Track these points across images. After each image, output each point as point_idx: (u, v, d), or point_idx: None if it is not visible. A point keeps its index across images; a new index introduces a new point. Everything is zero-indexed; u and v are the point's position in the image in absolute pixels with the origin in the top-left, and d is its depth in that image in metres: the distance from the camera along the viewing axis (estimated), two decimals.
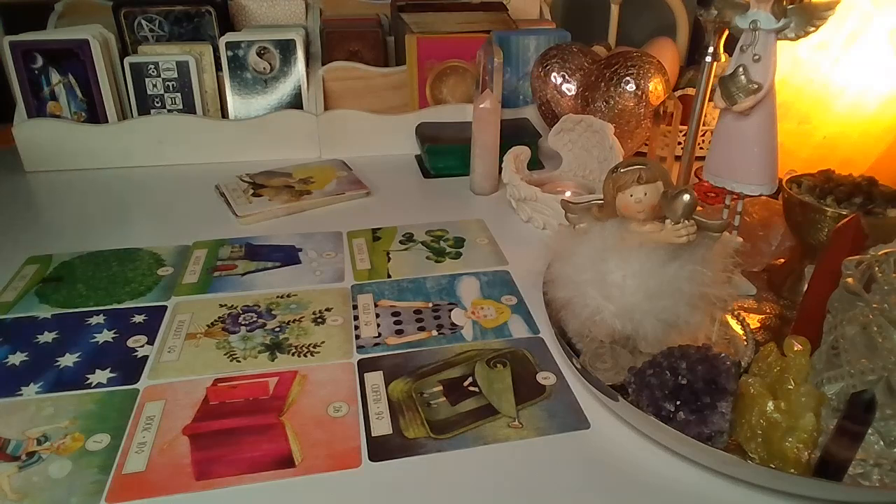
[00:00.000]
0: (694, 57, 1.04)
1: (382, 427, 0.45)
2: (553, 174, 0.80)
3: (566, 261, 0.49)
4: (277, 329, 0.55)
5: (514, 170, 0.73)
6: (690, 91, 0.86)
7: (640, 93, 0.77)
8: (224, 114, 0.91)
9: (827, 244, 0.52)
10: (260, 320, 0.56)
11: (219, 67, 0.89)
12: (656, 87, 0.77)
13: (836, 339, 0.43)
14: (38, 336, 0.54)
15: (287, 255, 0.66)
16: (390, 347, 0.53)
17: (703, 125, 0.79)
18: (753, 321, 0.56)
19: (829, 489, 0.38)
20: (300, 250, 0.67)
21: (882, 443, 0.41)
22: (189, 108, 0.88)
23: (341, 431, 0.44)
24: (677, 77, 0.92)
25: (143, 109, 0.87)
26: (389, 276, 0.62)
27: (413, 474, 0.41)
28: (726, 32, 0.62)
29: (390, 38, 1.00)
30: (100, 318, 0.56)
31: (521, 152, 0.76)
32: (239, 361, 0.51)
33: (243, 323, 0.55)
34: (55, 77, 0.84)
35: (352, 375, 0.50)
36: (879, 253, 0.44)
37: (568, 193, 0.77)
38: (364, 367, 0.50)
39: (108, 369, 0.50)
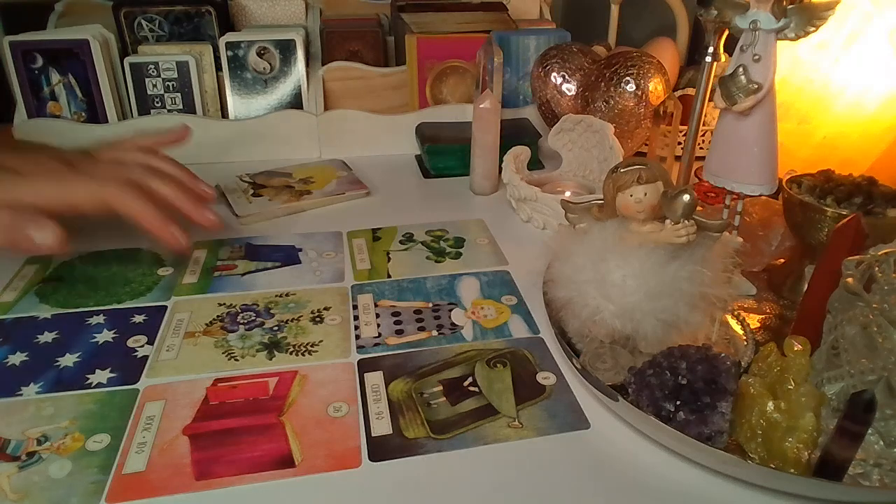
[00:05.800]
0: (694, 57, 1.04)
1: (382, 427, 0.45)
2: (553, 174, 0.80)
3: (566, 261, 0.49)
4: (275, 328, 0.55)
5: (514, 170, 0.73)
6: (690, 91, 0.86)
7: (640, 93, 0.77)
8: (224, 114, 0.90)
9: (827, 244, 0.52)
10: (258, 319, 0.56)
11: (219, 67, 0.89)
12: (656, 87, 0.77)
13: (836, 339, 0.43)
14: (38, 336, 0.54)
15: (287, 255, 0.66)
16: (390, 347, 0.53)
17: (703, 125, 0.79)
18: (753, 321, 0.56)
19: (829, 489, 0.38)
20: (300, 250, 0.67)
21: (882, 443, 0.41)
22: (189, 108, 0.88)
23: (341, 431, 0.44)
24: (677, 77, 0.92)
25: (144, 109, 0.87)
26: (389, 276, 0.62)
27: (413, 474, 0.41)
28: (726, 32, 0.62)
29: (390, 38, 1.00)
30: (100, 318, 0.56)
31: (521, 152, 0.76)
32: (237, 360, 0.51)
33: (242, 322, 0.55)
34: (55, 77, 0.84)
35: (352, 375, 0.50)
36: (879, 253, 0.44)
37: (568, 193, 0.77)
38: (364, 367, 0.50)
39: (109, 369, 0.50)
